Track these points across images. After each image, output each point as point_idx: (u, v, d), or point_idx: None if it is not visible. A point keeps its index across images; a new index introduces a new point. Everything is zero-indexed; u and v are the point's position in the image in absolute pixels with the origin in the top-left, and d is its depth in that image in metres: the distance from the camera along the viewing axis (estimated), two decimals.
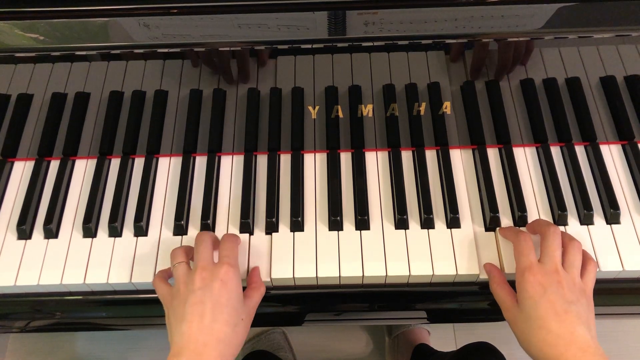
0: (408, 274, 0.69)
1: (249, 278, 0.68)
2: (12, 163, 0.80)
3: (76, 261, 0.71)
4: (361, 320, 0.81)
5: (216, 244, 0.68)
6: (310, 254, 0.70)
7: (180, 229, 0.73)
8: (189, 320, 0.59)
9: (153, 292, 0.70)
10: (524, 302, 0.62)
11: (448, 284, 0.71)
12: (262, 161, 0.78)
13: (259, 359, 0.99)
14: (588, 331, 0.59)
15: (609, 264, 0.69)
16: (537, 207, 0.74)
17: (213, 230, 0.73)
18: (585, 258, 0.67)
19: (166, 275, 0.67)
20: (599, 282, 0.70)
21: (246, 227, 0.72)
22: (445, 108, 0.76)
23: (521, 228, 0.71)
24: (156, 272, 0.69)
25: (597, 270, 0.68)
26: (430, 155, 0.78)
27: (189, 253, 0.67)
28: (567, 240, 0.66)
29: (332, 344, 1.38)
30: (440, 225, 0.72)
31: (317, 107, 0.77)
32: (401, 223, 0.72)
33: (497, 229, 0.71)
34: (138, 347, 1.39)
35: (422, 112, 0.77)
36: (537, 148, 0.79)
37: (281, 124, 0.77)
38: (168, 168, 0.78)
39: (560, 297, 0.60)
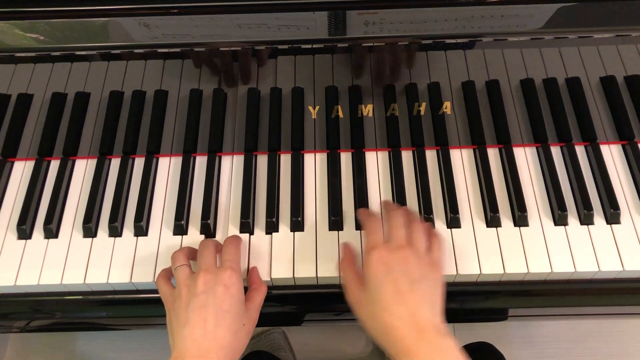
0: None
1: (248, 279, 0.68)
2: (12, 163, 0.79)
3: (76, 261, 0.71)
4: None
5: (219, 249, 0.68)
6: (311, 254, 0.70)
7: (180, 229, 0.73)
8: (192, 325, 0.58)
9: (153, 292, 0.70)
10: (369, 283, 0.60)
11: (448, 283, 0.71)
12: (262, 161, 0.78)
13: (258, 359, 0.99)
14: (431, 310, 0.57)
15: (609, 264, 0.69)
16: (537, 207, 0.74)
17: (213, 230, 0.73)
18: (429, 233, 0.66)
19: (169, 275, 0.67)
20: (599, 282, 0.70)
21: (246, 227, 0.72)
22: (445, 108, 0.76)
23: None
24: (159, 272, 0.68)
25: (597, 270, 0.68)
26: (431, 155, 0.78)
27: (189, 255, 0.67)
28: (410, 220, 0.65)
29: (332, 344, 1.38)
30: (440, 225, 0.72)
31: (317, 107, 0.77)
32: None
33: (358, 210, 0.71)
34: (138, 347, 1.39)
35: (422, 112, 0.77)
36: (537, 148, 0.79)
37: (281, 124, 0.77)
38: (168, 168, 0.78)
39: (404, 276, 0.58)
